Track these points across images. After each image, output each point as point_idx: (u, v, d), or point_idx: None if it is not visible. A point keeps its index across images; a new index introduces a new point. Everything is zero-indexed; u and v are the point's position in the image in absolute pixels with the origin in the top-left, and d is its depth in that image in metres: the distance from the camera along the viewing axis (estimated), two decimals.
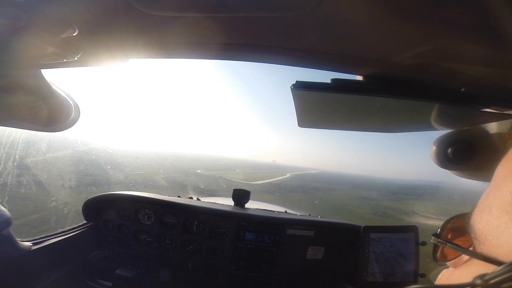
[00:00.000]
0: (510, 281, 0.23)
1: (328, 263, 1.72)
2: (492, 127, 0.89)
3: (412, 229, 1.37)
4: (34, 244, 1.42)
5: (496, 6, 0.42)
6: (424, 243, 1.35)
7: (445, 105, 0.69)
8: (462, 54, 0.56)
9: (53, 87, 0.99)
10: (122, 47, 0.79)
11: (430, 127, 0.96)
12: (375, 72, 0.71)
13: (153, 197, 1.83)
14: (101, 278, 1.63)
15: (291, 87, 0.74)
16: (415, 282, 1.33)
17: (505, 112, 0.70)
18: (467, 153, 0.95)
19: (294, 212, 2.14)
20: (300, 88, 0.73)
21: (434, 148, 1.06)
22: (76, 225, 1.78)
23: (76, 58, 0.76)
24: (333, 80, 0.72)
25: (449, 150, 1.01)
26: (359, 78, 0.73)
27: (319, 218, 1.94)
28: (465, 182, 1.06)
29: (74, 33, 0.60)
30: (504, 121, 0.82)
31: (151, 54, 0.85)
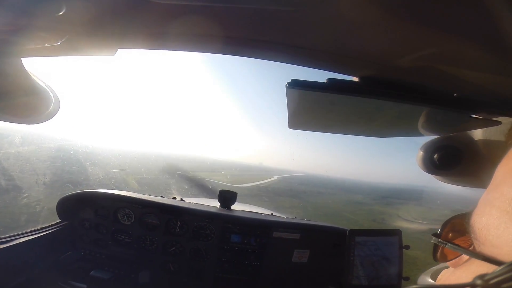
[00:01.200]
0: (510, 281, 0.23)
1: (314, 266, 1.72)
2: (478, 133, 0.92)
3: (396, 233, 1.39)
4: (1, 243, 1.32)
5: (494, 12, 0.43)
6: (407, 247, 1.37)
7: (437, 109, 0.70)
8: (458, 59, 0.56)
9: (33, 77, 0.93)
10: (111, 35, 0.75)
11: (419, 133, 0.98)
12: (371, 73, 0.71)
13: (134, 196, 1.76)
14: (75, 280, 1.54)
15: (286, 85, 0.72)
16: (399, 285, 1.35)
17: (493, 118, 0.72)
18: (453, 159, 0.98)
19: (280, 215, 2.13)
20: (296, 86, 0.71)
21: (421, 153, 1.08)
22: (49, 224, 1.68)
23: (59, 43, 0.70)
24: (329, 80, 0.71)
25: (436, 155, 1.03)
26: (355, 79, 0.73)
27: (305, 221, 1.94)
28: (451, 186, 1.09)
29: (60, 12, 0.55)
30: (489, 128, 0.84)
31: (140, 45, 0.81)
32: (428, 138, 1.06)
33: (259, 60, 0.83)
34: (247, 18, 0.63)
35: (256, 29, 0.66)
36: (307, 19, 0.57)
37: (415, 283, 1.27)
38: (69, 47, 0.78)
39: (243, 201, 2.76)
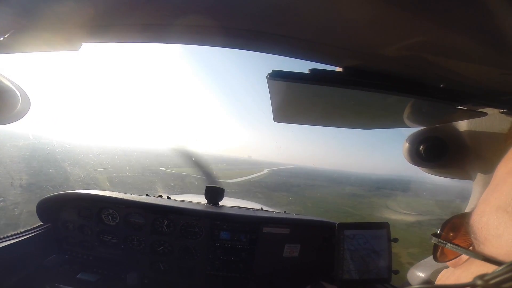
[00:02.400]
0: (510, 281, 0.23)
1: (305, 260, 1.73)
2: (463, 125, 0.91)
3: (384, 226, 1.40)
4: None
5: (482, 3, 0.41)
6: (396, 240, 1.38)
7: (423, 100, 0.69)
8: (445, 49, 0.54)
9: None
10: (72, 30, 0.68)
11: (405, 124, 0.97)
12: (355, 63, 0.68)
13: (117, 196, 1.69)
14: (62, 283, 1.49)
15: (267, 76, 0.68)
16: (389, 278, 1.36)
17: (478, 109, 0.71)
18: (438, 151, 0.97)
19: (269, 209, 2.12)
20: (277, 77, 0.67)
21: (407, 145, 1.07)
22: (31, 227, 1.60)
23: (1, 39, 0.64)
24: (311, 70, 0.67)
25: (421, 147, 1.02)
26: (339, 69, 0.70)
27: (294, 216, 1.93)
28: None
29: None
30: (474, 119, 0.84)
31: (106, 39, 0.74)
32: (413, 129, 1.05)
33: (241, 51, 0.79)
34: (225, 6, 0.58)
35: (234, 17, 0.61)
36: (288, 8, 0.53)
37: (405, 276, 1.29)
38: (26, 43, 0.72)
39: (234, 198, 2.73)
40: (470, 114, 0.76)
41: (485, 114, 0.72)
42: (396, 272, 1.37)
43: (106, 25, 0.66)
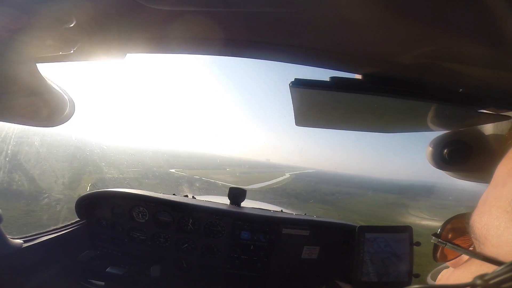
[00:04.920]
0: (510, 281, 0.23)
1: (323, 262, 1.72)
2: (488, 128, 0.89)
3: (406, 230, 1.37)
4: (25, 241, 1.39)
5: (496, 7, 0.42)
6: (418, 244, 1.35)
7: (443, 105, 0.70)
8: (462, 55, 0.56)
9: (48, 81, 0.98)
10: (119, 41, 0.78)
11: (426, 128, 0.97)
12: (374, 71, 0.71)
13: (148, 194, 1.82)
14: (93, 277, 1.61)
15: (289, 84, 0.73)
16: (409, 282, 1.33)
17: (502, 113, 0.71)
18: (463, 155, 0.96)
19: (289, 212, 2.14)
20: (299, 86, 0.72)
21: (430, 149, 1.06)
22: (69, 223, 1.74)
23: (72, 51, 0.74)
24: (332, 78, 0.71)
25: (445, 151, 1.01)
26: (358, 76, 0.73)
27: (314, 218, 1.94)
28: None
29: (71, 24, 0.59)
30: (500, 122, 0.82)
31: (148, 49, 0.84)
32: (436, 133, 1.04)
33: (263, 60, 0.84)
34: (249, 21, 0.64)
35: (257, 31, 0.67)
36: (307, 19, 0.58)
37: (425, 279, 1.25)
38: (81, 54, 0.82)
39: (255, 200, 2.76)
40: (494, 118, 0.75)
41: (508, 117, 0.71)
42: (417, 275, 1.33)
43: (150, 38, 0.75)
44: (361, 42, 0.63)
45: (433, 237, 0.42)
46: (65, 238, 1.63)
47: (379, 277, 1.34)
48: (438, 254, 0.43)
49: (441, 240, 0.40)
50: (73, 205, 1.81)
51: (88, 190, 1.86)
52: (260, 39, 0.71)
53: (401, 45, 0.60)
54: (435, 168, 1.08)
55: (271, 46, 0.72)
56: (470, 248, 0.35)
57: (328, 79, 0.72)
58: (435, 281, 1.13)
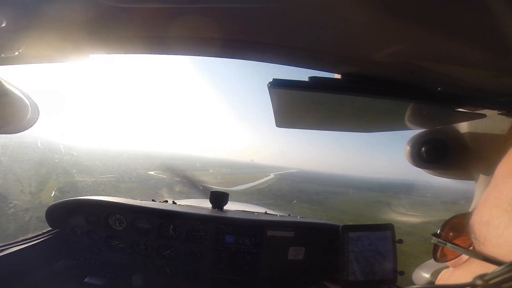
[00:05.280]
0: (510, 281, 0.23)
1: (310, 263, 1.73)
2: (463, 126, 0.92)
3: (388, 227, 1.40)
4: None
5: (473, 6, 0.42)
6: (400, 241, 1.38)
7: (422, 104, 0.70)
8: (440, 53, 0.55)
9: (6, 85, 0.89)
10: (79, 42, 0.71)
11: (405, 127, 0.98)
12: (353, 70, 0.69)
13: (124, 202, 1.73)
14: None
15: (267, 85, 0.71)
16: (394, 280, 1.36)
17: (477, 111, 0.72)
18: (440, 152, 0.98)
19: (273, 213, 2.13)
20: (277, 86, 0.69)
21: (408, 147, 1.08)
22: (40, 233, 1.63)
23: (16, 54, 0.67)
24: (311, 78, 0.69)
25: (423, 149, 1.03)
26: (337, 76, 0.72)
27: (298, 219, 1.94)
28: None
29: (1, 24, 0.52)
30: (474, 120, 0.84)
31: (113, 50, 0.78)
32: (415, 132, 1.06)
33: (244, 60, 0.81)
34: (225, 19, 0.60)
35: (234, 29, 0.63)
36: (285, 17, 0.55)
37: (410, 277, 1.28)
38: (31, 56, 0.75)
39: (239, 202, 2.72)
40: (469, 116, 0.76)
41: (484, 115, 0.72)
42: (402, 273, 1.36)
43: (114, 37, 0.69)
44: (340, 41, 0.61)
45: (433, 237, 0.41)
46: (38, 248, 1.52)
47: (365, 276, 1.35)
48: (438, 254, 0.42)
49: (441, 240, 0.40)
50: (43, 214, 1.69)
51: (52, 195, 1.76)
52: (236, 37, 0.67)
53: (380, 43, 0.59)
54: (413, 166, 1.10)
55: (248, 44, 0.68)
56: (470, 248, 0.35)
57: (307, 79, 0.70)
58: (421, 278, 1.16)
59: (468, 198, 1.08)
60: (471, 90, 0.64)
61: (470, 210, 0.97)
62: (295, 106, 0.88)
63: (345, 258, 1.38)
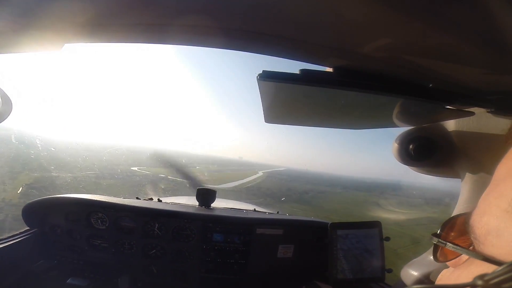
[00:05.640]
0: (510, 281, 0.23)
1: (299, 261, 1.73)
2: (451, 124, 0.93)
3: (376, 225, 1.41)
4: None
5: (469, 5, 0.42)
6: (388, 239, 1.40)
7: (412, 100, 0.69)
8: (432, 50, 0.55)
9: None
10: (51, 31, 0.66)
11: (394, 124, 0.98)
12: (344, 63, 0.68)
13: (106, 200, 1.65)
14: None
15: (257, 77, 0.68)
16: (382, 277, 1.37)
17: (466, 109, 0.72)
18: (427, 150, 0.99)
19: (263, 210, 2.11)
20: (267, 78, 0.67)
21: (396, 145, 1.09)
22: (17, 232, 1.55)
23: None
24: (302, 70, 0.67)
25: (411, 146, 1.04)
26: (329, 70, 0.70)
27: (287, 216, 1.93)
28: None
29: None
30: (461, 119, 0.85)
31: (87, 39, 0.72)
32: (403, 129, 1.07)
33: (231, 51, 0.77)
34: (214, 6, 0.56)
35: (223, 17, 0.60)
36: (277, 5, 0.52)
37: (398, 274, 1.30)
38: (6, 44, 0.69)
39: (227, 199, 2.68)
40: (458, 114, 0.77)
41: (472, 113, 0.73)
42: (390, 270, 1.38)
43: (89, 25, 0.64)
44: (333, 33, 0.59)
45: (433, 237, 0.41)
46: (15, 249, 1.45)
47: (354, 274, 1.36)
48: (438, 254, 0.42)
49: (441, 240, 0.40)
50: (19, 213, 1.60)
51: (19, 192, 1.67)
52: (225, 25, 0.63)
53: (373, 37, 0.57)
54: (401, 164, 1.11)
55: (237, 33, 0.64)
56: (470, 248, 0.34)
57: (298, 72, 0.67)
58: (409, 275, 1.17)
59: (452, 196, 1.10)
60: (462, 87, 0.64)
61: (456, 207, 0.97)
62: (285, 100, 0.85)
63: (334, 256, 1.38)
